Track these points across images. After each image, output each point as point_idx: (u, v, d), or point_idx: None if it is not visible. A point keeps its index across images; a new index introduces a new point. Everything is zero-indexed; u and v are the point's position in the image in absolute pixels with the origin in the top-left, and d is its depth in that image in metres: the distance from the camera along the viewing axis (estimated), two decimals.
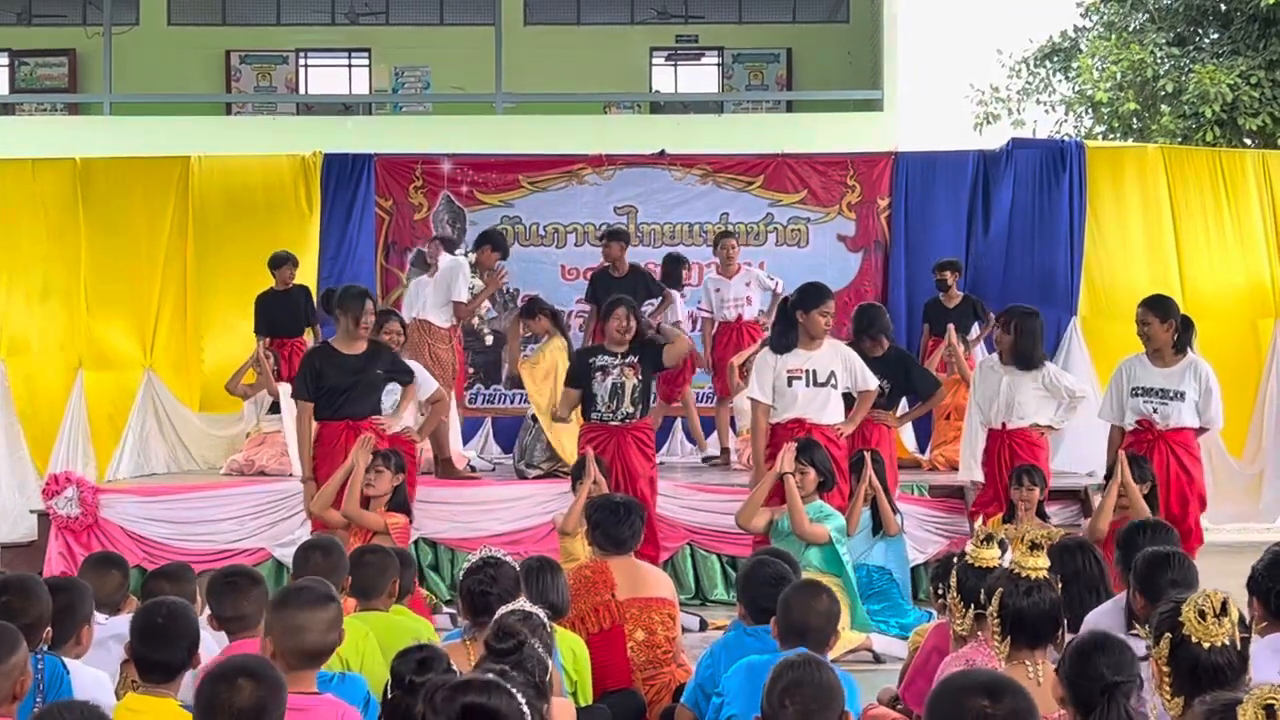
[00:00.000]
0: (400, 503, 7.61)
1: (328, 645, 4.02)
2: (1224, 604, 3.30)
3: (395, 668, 3.74)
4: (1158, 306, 8.07)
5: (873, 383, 8.14)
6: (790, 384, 7.91)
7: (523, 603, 4.38)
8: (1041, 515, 8.04)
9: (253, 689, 3.33)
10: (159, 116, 17.29)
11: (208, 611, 4.75)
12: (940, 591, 5.80)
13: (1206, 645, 3.23)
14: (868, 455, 8.32)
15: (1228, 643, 3.25)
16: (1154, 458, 7.87)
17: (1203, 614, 3.25)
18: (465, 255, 11.08)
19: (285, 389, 10.87)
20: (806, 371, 7.92)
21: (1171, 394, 7.93)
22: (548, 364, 9.77)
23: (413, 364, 8.84)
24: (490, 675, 3.11)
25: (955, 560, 5.53)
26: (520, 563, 5.15)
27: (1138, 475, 7.58)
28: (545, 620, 4.31)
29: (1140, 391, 8.02)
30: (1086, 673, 3.40)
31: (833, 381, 7.95)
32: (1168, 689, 3.26)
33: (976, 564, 4.64)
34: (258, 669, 3.42)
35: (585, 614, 5.71)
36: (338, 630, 4.08)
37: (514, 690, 2.99)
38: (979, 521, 7.65)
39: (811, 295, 8.16)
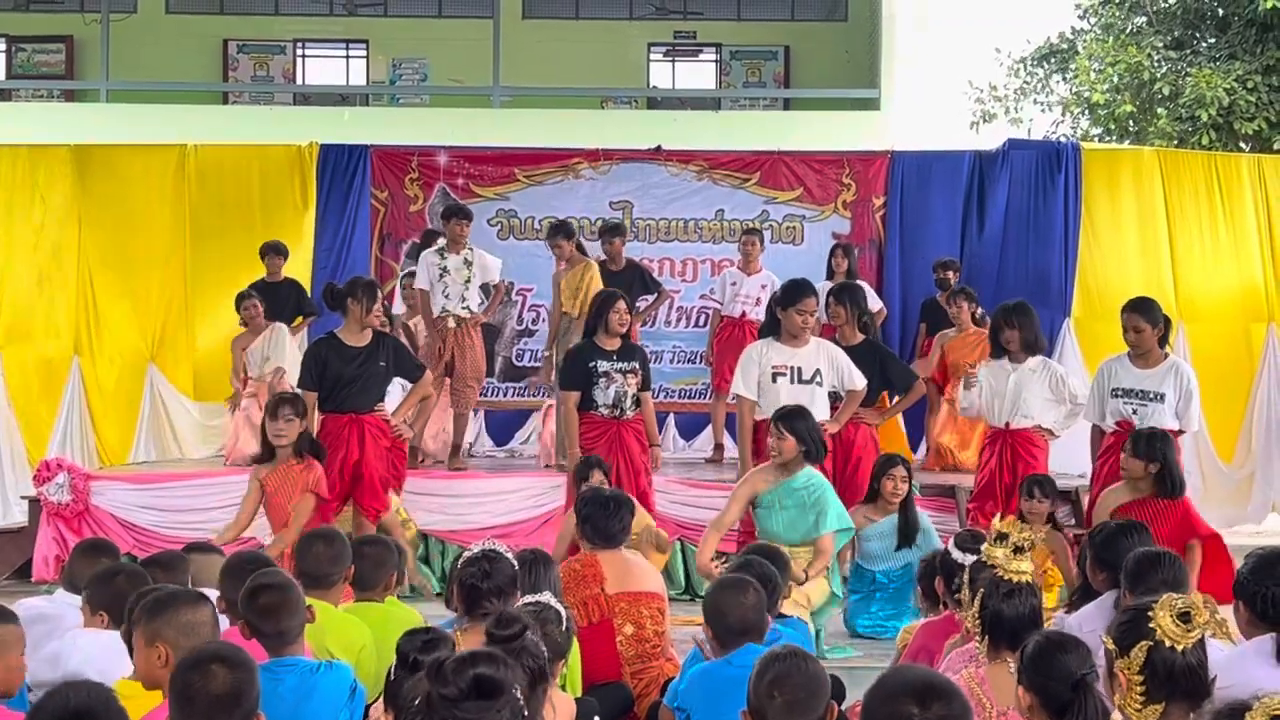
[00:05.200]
0: (308, 445, 7.61)
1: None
2: (1193, 605, 3.31)
3: (401, 647, 3.74)
4: (1147, 311, 8.05)
5: (860, 381, 8.11)
6: (774, 380, 7.90)
7: (547, 596, 4.40)
8: (1055, 526, 7.95)
9: (226, 674, 3.32)
10: (156, 104, 17.29)
11: (214, 594, 4.74)
12: (926, 590, 5.81)
13: (1180, 648, 3.23)
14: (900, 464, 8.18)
15: (1195, 642, 3.26)
16: None
17: (1184, 616, 3.26)
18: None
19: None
20: (791, 368, 7.91)
21: (1151, 395, 7.93)
22: None
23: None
24: (496, 650, 3.14)
25: (939, 558, 5.55)
26: (513, 555, 5.15)
27: (1145, 453, 7.27)
28: (563, 614, 4.32)
29: (1120, 392, 8.02)
30: (1053, 674, 3.38)
31: (818, 379, 7.93)
32: (1138, 698, 3.25)
33: (990, 562, 4.60)
34: (229, 654, 3.41)
35: (575, 607, 5.69)
36: (216, 631, 4.08)
37: (516, 667, 3.02)
38: (995, 519, 7.56)
39: (789, 292, 8.12)
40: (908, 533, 7.95)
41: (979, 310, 10.73)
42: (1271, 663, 3.98)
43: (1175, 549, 6.85)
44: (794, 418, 7.27)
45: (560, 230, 10.52)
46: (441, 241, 10.22)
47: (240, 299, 10.84)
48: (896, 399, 9.31)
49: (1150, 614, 3.27)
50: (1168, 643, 3.22)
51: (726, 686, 4.44)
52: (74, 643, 4.56)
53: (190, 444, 11.56)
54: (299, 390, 8.20)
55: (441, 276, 9.92)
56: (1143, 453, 7.22)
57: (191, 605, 4.00)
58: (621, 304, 8.44)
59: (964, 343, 10.58)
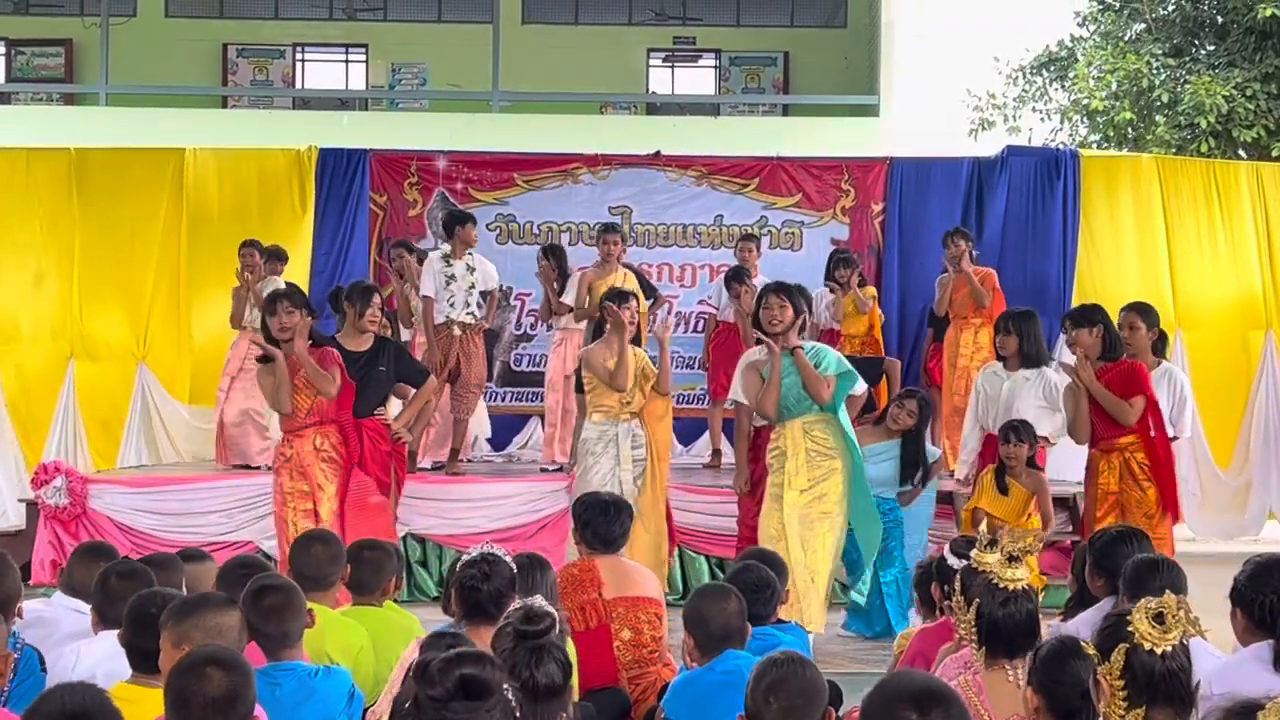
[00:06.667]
0: (318, 341, 7.64)
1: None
2: (1167, 606, 3.32)
3: (424, 653, 3.73)
4: (1145, 312, 8.15)
5: (860, 386, 8.11)
6: None
7: (539, 600, 4.38)
8: (1034, 466, 8.02)
9: (222, 677, 3.31)
10: (155, 108, 17.28)
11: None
12: (922, 596, 5.81)
13: (1159, 651, 3.24)
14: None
15: (1176, 647, 3.27)
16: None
17: (1159, 618, 3.27)
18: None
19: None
20: None
21: None
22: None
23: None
24: (482, 650, 3.13)
25: (935, 564, 5.55)
26: (510, 559, 5.14)
27: (1087, 322, 7.71)
28: (558, 617, 4.31)
29: None
30: (1064, 679, 3.39)
31: None
32: (1121, 703, 3.25)
33: (980, 568, 4.60)
34: (225, 657, 3.40)
35: (572, 612, 5.70)
36: (244, 635, 4.08)
37: (502, 666, 3.02)
38: (982, 525, 7.57)
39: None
40: (909, 466, 8.18)
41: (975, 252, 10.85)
42: (1269, 669, 3.98)
43: (1127, 396, 7.50)
44: (789, 289, 7.54)
45: (617, 229, 10.58)
46: (445, 248, 10.22)
47: (240, 246, 10.73)
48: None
49: (1129, 619, 3.29)
50: (1146, 645, 3.23)
51: (710, 692, 4.44)
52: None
53: (184, 447, 11.54)
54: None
55: (448, 284, 9.94)
56: (1084, 323, 7.65)
57: (220, 608, 4.01)
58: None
59: (962, 281, 10.60)
